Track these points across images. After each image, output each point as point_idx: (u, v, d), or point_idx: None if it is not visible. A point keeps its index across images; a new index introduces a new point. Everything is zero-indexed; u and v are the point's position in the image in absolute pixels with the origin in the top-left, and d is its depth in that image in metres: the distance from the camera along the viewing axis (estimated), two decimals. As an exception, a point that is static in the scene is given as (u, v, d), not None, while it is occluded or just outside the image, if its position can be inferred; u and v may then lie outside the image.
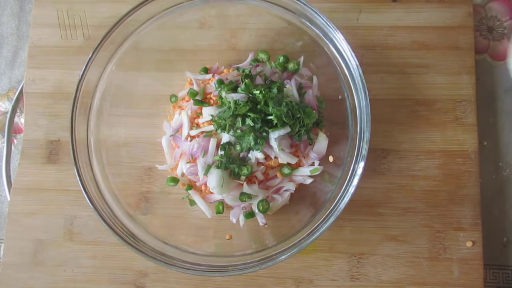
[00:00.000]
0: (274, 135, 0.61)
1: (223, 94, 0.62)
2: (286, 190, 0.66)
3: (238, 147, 0.62)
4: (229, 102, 0.61)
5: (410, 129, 0.69)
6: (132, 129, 0.69)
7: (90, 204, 0.59)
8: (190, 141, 0.65)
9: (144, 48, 0.67)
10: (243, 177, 0.62)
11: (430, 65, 0.71)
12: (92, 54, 0.62)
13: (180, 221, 0.66)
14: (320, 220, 0.58)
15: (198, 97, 0.66)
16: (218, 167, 0.61)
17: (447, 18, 0.71)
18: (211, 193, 0.64)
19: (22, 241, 0.69)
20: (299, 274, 0.66)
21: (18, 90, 0.75)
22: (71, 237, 0.69)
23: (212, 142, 0.63)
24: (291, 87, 0.64)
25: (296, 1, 0.61)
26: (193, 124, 0.67)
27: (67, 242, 0.69)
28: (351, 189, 0.57)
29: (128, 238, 0.59)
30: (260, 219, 0.65)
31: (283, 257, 0.56)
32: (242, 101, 0.61)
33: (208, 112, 0.64)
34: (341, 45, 0.61)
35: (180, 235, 0.65)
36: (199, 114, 0.67)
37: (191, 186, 0.66)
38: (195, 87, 0.68)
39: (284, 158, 0.62)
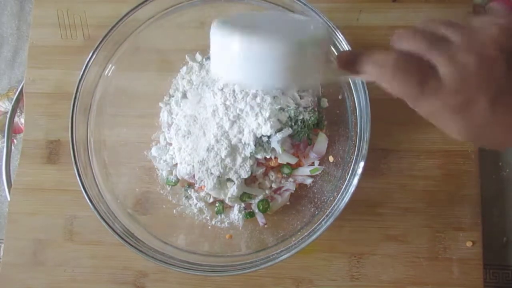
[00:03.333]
0: (276, 138, 0.61)
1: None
2: (286, 190, 0.66)
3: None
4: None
5: (410, 129, 0.69)
6: (132, 129, 0.69)
7: (90, 204, 0.59)
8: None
9: (144, 48, 0.67)
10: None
11: (430, 65, 0.70)
12: (92, 54, 0.62)
13: (180, 221, 0.66)
14: (320, 220, 0.58)
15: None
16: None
17: (447, 18, 0.71)
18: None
19: (22, 241, 0.69)
20: (299, 274, 0.66)
21: (18, 90, 0.75)
22: (71, 237, 0.69)
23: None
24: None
25: (296, 1, 0.61)
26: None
27: (67, 242, 0.69)
28: (351, 189, 0.57)
29: (128, 238, 0.59)
30: (260, 219, 0.65)
31: (283, 257, 0.56)
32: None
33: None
34: (341, 45, 0.61)
35: (180, 235, 0.65)
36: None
37: (190, 185, 0.67)
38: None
39: (284, 158, 0.63)
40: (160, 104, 0.69)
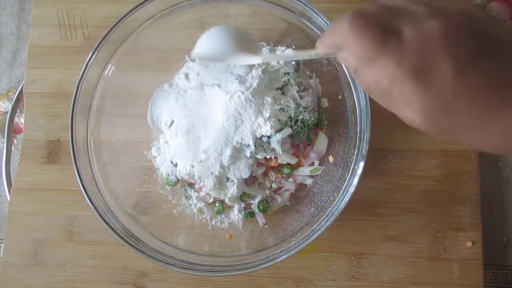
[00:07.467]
0: (276, 138, 0.61)
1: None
2: (286, 190, 0.66)
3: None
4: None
5: (410, 129, 0.68)
6: (132, 129, 0.69)
7: (90, 204, 0.59)
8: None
9: (144, 48, 0.67)
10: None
11: (430, 65, 0.70)
12: (92, 54, 0.62)
13: (180, 221, 0.66)
14: (320, 220, 0.58)
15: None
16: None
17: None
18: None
19: (22, 241, 0.69)
20: (299, 274, 0.66)
21: (18, 90, 0.75)
22: (71, 237, 0.69)
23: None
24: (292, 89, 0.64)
25: (296, 1, 0.61)
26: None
27: (67, 242, 0.69)
28: (351, 189, 0.57)
29: (128, 238, 0.59)
30: (260, 219, 0.65)
31: (283, 257, 0.56)
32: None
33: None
34: (341, 45, 0.60)
35: (180, 235, 0.65)
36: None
37: (190, 185, 0.67)
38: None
39: (284, 158, 0.62)
40: (160, 104, 0.69)
